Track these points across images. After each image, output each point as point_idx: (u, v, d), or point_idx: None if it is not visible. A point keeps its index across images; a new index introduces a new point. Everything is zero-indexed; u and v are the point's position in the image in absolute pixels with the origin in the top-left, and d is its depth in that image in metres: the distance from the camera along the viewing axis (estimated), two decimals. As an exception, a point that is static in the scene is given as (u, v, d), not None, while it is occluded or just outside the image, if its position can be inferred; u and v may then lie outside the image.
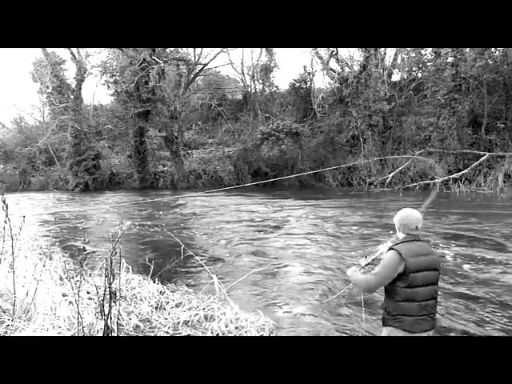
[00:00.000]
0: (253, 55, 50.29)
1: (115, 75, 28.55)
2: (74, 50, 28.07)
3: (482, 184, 18.96)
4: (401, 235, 2.84)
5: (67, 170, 29.24)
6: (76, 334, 3.51)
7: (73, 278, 4.57)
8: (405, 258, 2.63)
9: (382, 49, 24.23)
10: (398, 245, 2.75)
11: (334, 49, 24.86)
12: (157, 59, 24.10)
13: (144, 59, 24.15)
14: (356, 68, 24.47)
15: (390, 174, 21.49)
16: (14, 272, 3.82)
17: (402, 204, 8.90)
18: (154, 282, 5.24)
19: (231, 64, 32.89)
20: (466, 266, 6.63)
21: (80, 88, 29.17)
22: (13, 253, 4.04)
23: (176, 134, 26.55)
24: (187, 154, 28.65)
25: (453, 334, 4.21)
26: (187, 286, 5.80)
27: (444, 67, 20.46)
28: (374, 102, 22.85)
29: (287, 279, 6.36)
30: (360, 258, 3.19)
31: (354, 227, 10.14)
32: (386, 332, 2.82)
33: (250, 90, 30.78)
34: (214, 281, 4.77)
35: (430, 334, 2.78)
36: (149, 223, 12.19)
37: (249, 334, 4.05)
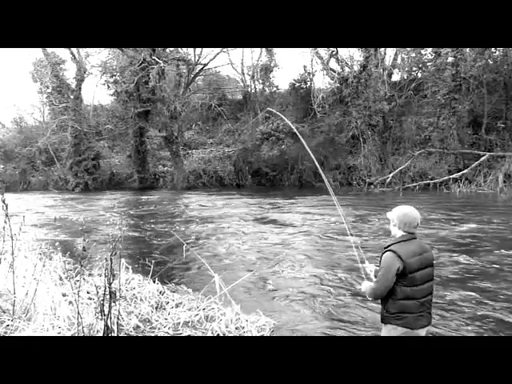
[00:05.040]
0: (253, 55, 50.34)
1: (115, 75, 28.54)
2: (74, 50, 28.07)
3: (482, 184, 18.95)
4: (398, 233, 2.79)
5: (67, 170, 29.25)
6: (76, 334, 3.51)
7: (73, 278, 4.57)
8: (404, 259, 2.61)
9: (382, 49, 24.21)
10: (395, 245, 2.71)
11: (334, 49, 24.86)
12: (157, 59, 24.07)
13: (144, 59, 24.13)
14: (356, 68, 24.46)
15: (389, 173, 21.49)
16: (13, 272, 3.82)
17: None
18: (154, 282, 5.24)
19: (231, 64, 32.85)
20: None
21: (80, 88, 29.17)
22: (13, 253, 4.04)
23: (176, 134, 26.51)
24: (187, 153, 28.62)
25: (453, 334, 4.22)
26: (187, 285, 5.79)
27: (444, 67, 20.45)
28: (374, 102, 22.84)
29: (288, 279, 6.36)
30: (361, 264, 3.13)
31: (354, 227, 10.13)
32: (385, 330, 2.81)
33: (249, 90, 30.75)
34: (216, 280, 4.76)
35: (427, 329, 2.79)
36: (148, 223, 12.19)
37: (249, 334, 4.05)
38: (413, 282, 2.63)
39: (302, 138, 4.65)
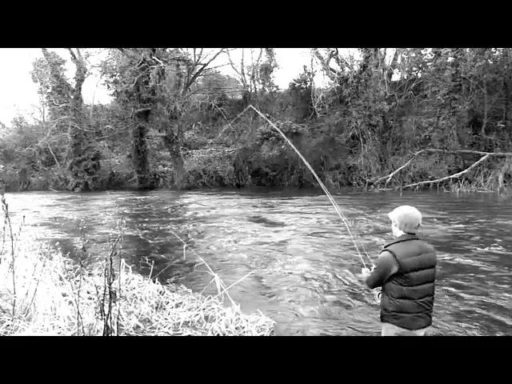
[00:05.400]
0: (253, 55, 50.44)
1: (115, 75, 28.56)
2: (74, 49, 28.10)
3: (482, 184, 18.95)
4: (399, 233, 2.80)
5: (67, 170, 29.28)
6: (76, 334, 3.51)
7: (73, 278, 4.57)
8: (399, 259, 2.63)
9: (382, 49, 24.22)
10: (393, 245, 2.74)
11: (334, 49, 24.87)
12: (157, 59, 24.07)
13: (144, 59, 24.13)
14: (356, 68, 24.47)
15: (389, 173, 21.49)
16: (13, 272, 3.82)
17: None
18: (154, 282, 5.24)
19: (231, 64, 32.91)
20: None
21: (80, 88, 29.20)
22: (13, 253, 4.04)
23: (176, 134, 26.51)
24: (187, 153, 28.62)
25: (452, 334, 4.22)
26: (187, 285, 5.80)
27: (444, 67, 20.46)
28: (374, 102, 22.85)
29: (288, 279, 6.36)
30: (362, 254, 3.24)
31: (354, 226, 10.13)
32: (384, 329, 2.83)
33: (249, 90, 30.76)
34: (216, 280, 4.76)
35: (426, 330, 2.79)
36: (148, 222, 12.19)
37: (249, 334, 4.05)
38: (408, 281, 2.64)
39: (285, 136, 4.68)
